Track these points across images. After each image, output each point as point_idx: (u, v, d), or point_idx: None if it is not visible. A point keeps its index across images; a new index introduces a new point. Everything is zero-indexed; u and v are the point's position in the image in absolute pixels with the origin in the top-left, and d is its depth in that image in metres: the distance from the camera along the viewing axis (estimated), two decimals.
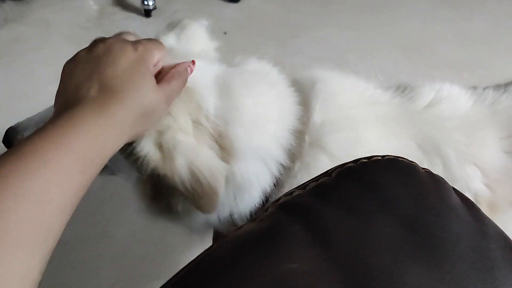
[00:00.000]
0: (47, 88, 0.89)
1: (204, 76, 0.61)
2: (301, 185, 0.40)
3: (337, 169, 0.40)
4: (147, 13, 2.08)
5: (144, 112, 0.48)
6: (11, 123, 0.69)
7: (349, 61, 1.89)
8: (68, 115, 0.43)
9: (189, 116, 0.57)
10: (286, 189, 0.63)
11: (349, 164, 0.40)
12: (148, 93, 0.49)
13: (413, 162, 0.41)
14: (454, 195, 0.38)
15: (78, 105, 0.44)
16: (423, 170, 0.40)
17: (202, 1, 2.24)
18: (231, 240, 0.36)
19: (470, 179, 0.65)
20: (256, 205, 0.64)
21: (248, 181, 0.61)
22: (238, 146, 0.58)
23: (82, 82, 0.47)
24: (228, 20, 2.08)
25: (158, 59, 0.53)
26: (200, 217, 0.64)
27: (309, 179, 0.41)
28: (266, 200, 0.64)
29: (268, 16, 2.16)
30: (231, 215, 0.65)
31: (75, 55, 0.52)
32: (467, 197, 0.39)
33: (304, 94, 0.67)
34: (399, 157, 0.40)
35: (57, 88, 0.50)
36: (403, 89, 0.71)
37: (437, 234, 0.34)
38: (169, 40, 0.69)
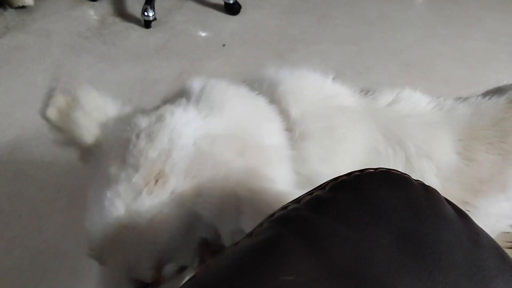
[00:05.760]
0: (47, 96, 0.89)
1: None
2: (295, 199, 0.41)
3: (331, 182, 0.40)
4: (147, 24, 2.10)
5: None
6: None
7: (346, 75, 1.91)
8: None
9: None
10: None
11: (343, 177, 0.40)
12: None
13: (406, 174, 0.41)
14: (447, 205, 0.39)
15: None
16: (416, 182, 0.41)
17: (202, 13, 2.27)
18: (228, 256, 0.36)
19: (426, 172, 0.69)
20: None
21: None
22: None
23: None
24: (227, 33, 2.10)
25: None
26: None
27: (305, 193, 0.41)
28: None
29: (267, 29, 2.19)
30: None
31: None
32: (458, 207, 0.40)
33: (271, 96, 0.71)
34: (392, 169, 0.41)
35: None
36: (365, 92, 0.76)
37: (429, 245, 0.34)
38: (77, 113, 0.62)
